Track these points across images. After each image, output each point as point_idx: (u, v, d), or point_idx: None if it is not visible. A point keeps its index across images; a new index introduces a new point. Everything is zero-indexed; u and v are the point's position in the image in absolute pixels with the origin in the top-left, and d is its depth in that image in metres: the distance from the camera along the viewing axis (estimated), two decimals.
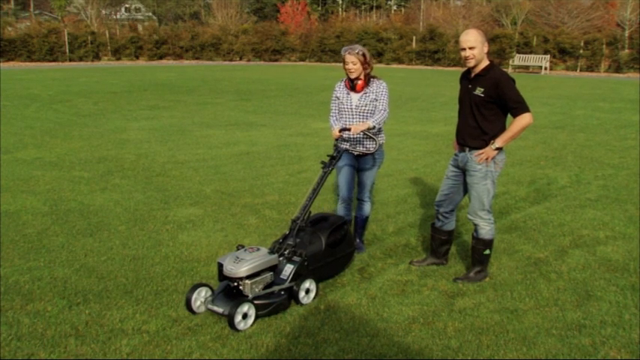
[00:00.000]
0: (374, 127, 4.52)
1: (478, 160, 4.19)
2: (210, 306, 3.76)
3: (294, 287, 3.91)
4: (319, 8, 65.98)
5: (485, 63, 4.14)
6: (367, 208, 4.98)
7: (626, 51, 33.30)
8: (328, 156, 4.59)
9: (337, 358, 3.33)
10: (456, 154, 4.44)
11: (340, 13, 66.22)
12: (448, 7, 52.05)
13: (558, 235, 5.47)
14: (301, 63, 40.27)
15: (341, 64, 4.70)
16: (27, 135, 10.40)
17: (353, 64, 4.58)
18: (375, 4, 70.36)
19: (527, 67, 33.56)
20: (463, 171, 4.37)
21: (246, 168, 8.10)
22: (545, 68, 32.30)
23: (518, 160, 8.83)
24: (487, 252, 4.40)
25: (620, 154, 9.39)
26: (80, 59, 35.87)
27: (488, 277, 4.46)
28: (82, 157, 8.63)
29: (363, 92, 4.69)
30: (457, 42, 35.30)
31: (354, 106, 4.72)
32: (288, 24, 46.40)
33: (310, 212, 4.34)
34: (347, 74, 4.69)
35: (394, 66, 36.38)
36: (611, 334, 3.62)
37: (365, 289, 4.21)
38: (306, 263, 4.06)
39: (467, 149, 4.27)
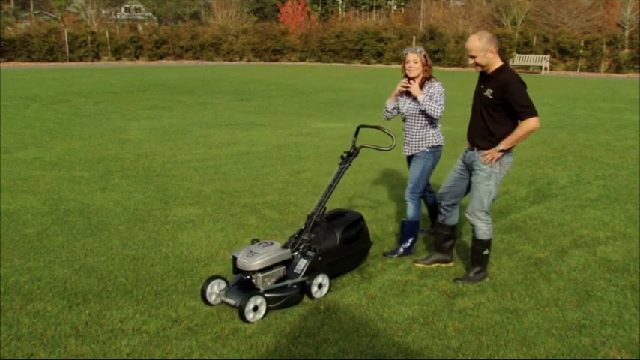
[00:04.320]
0: (424, 101, 4.68)
1: (483, 160, 4.19)
2: (223, 297, 3.86)
3: (307, 281, 3.97)
4: (319, 8, 65.99)
5: (498, 65, 4.13)
6: (409, 210, 4.91)
7: (626, 51, 33.32)
8: (345, 152, 4.60)
9: (337, 358, 3.33)
10: (465, 151, 4.47)
11: (340, 13, 66.24)
12: (448, 7, 52.08)
13: (558, 235, 5.47)
14: (301, 63, 40.25)
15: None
16: (27, 135, 10.40)
17: (414, 62, 4.75)
18: (375, 4, 70.36)
19: (527, 67, 33.56)
20: (469, 169, 4.38)
21: (246, 168, 8.10)
22: (545, 68, 32.31)
23: (518, 160, 8.82)
24: (486, 252, 4.40)
25: (620, 154, 9.39)
26: (80, 59, 35.89)
27: (488, 277, 4.45)
28: (82, 157, 8.63)
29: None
30: (457, 42, 35.38)
31: (405, 109, 4.90)
32: (288, 24, 46.42)
33: (326, 208, 4.40)
34: (406, 73, 4.81)
35: (394, 66, 36.36)
36: (611, 334, 3.61)
37: (365, 289, 4.21)
38: (319, 258, 4.12)
39: (475, 148, 4.29)
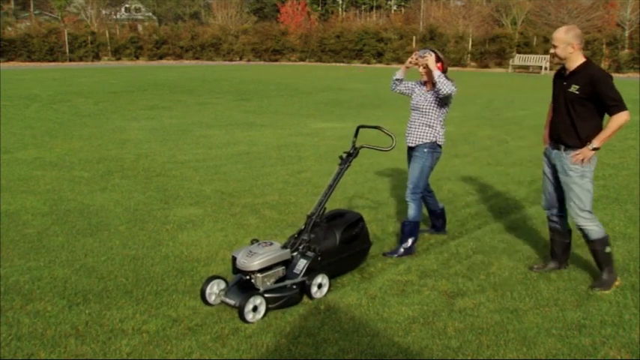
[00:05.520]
0: (438, 76, 4.64)
1: (574, 160, 4.14)
2: (223, 298, 3.87)
3: (307, 282, 3.97)
4: (319, 8, 65.99)
5: (580, 60, 4.11)
6: (410, 210, 4.93)
7: (626, 51, 33.31)
8: (345, 153, 4.60)
9: (337, 358, 3.33)
10: (547, 149, 4.43)
11: (340, 13, 66.24)
12: (448, 7, 52.09)
13: None
14: (301, 63, 40.25)
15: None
16: (27, 135, 10.40)
17: (423, 67, 4.83)
18: (375, 4, 70.35)
19: (527, 67, 33.55)
20: (556, 168, 4.33)
21: (246, 168, 8.10)
22: (545, 68, 32.29)
23: (518, 160, 8.82)
24: (608, 250, 4.28)
25: (620, 154, 9.39)
26: (80, 59, 35.90)
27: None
28: (82, 157, 8.63)
29: (428, 90, 4.93)
30: (457, 42, 35.10)
31: (414, 101, 4.98)
32: (288, 24, 46.41)
33: (325, 208, 4.40)
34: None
35: (394, 66, 36.36)
36: (611, 334, 3.61)
37: (365, 289, 4.21)
38: (319, 258, 4.12)
39: (562, 147, 4.24)
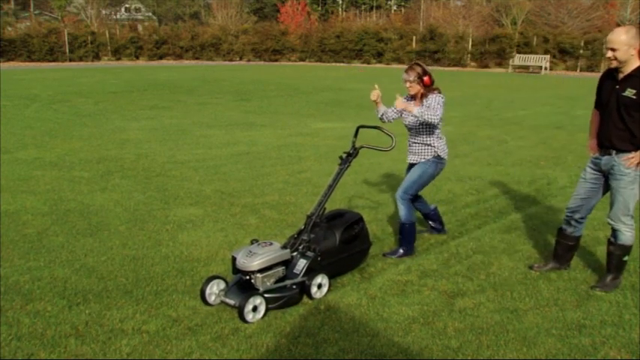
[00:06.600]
0: (416, 117, 4.64)
1: (628, 164, 4.01)
2: (223, 298, 3.88)
3: (306, 282, 3.98)
4: (319, 8, 65.99)
5: (637, 63, 3.89)
6: (402, 212, 4.92)
7: None
8: (345, 153, 4.60)
9: (337, 358, 3.33)
10: (597, 157, 4.24)
11: (340, 13, 66.25)
12: (448, 7, 52.08)
13: None
14: (301, 63, 40.25)
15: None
16: (27, 135, 10.40)
17: (410, 82, 4.81)
18: (375, 4, 70.35)
19: (527, 67, 33.57)
20: (605, 174, 4.22)
21: (246, 168, 8.10)
22: (545, 68, 32.32)
23: (518, 160, 8.82)
24: (626, 258, 4.24)
25: None
26: (80, 59, 35.91)
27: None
28: (82, 157, 8.63)
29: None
30: (457, 42, 35.05)
31: (407, 122, 4.96)
32: (288, 24, 46.43)
33: (325, 208, 4.40)
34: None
35: (394, 66, 36.36)
36: (611, 334, 3.62)
37: (365, 289, 4.21)
38: (319, 258, 4.13)
39: (613, 152, 4.09)
